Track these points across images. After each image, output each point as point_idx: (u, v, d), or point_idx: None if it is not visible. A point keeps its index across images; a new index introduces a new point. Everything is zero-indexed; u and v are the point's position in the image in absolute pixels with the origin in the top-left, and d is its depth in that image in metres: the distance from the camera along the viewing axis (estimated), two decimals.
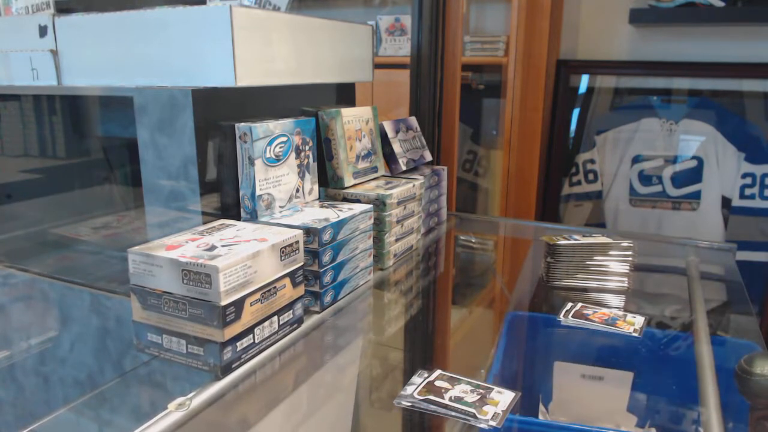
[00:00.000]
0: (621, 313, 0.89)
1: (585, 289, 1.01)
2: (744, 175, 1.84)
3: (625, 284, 1.01)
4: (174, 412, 0.61)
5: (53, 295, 0.95)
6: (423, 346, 0.95)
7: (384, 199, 0.99)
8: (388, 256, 1.02)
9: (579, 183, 2.06)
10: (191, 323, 0.67)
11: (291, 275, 0.76)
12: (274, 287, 0.73)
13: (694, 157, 1.91)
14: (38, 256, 1.04)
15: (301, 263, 0.78)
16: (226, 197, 0.85)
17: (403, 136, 1.21)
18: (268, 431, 0.67)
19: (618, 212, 2.01)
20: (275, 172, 0.87)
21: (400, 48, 2.20)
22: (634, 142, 1.98)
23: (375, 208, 0.97)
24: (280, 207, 0.90)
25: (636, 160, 1.98)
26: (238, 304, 0.67)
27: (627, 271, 1.01)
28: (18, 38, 0.94)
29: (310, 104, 1.02)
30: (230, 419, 0.66)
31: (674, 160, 1.93)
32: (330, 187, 1.02)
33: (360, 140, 1.06)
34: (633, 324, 0.86)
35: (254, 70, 0.83)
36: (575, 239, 1.05)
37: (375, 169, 1.11)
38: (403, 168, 1.17)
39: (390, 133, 1.17)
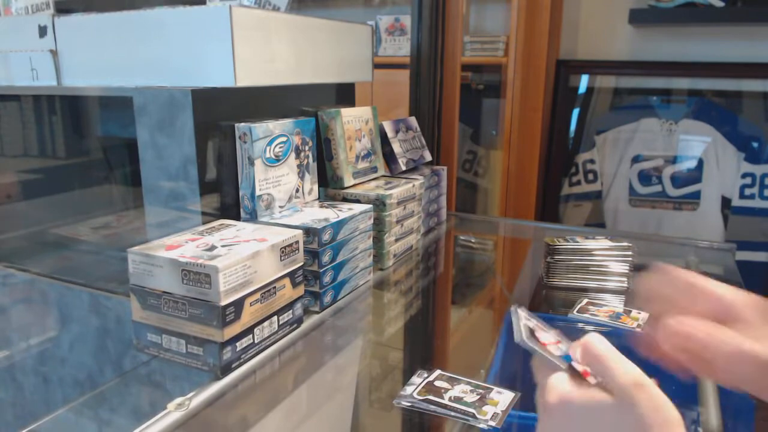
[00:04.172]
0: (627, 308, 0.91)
1: (585, 289, 1.01)
2: (744, 175, 1.84)
3: (625, 284, 1.01)
4: (173, 412, 0.61)
5: (53, 295, 0.95)
6: (422, 346, 0.95)
7: (384, 199, 0.99)
8: (387, 256, 1.02)
9: (579, 183, 2.06)
10: (191, 323, 0.67)
11: (291, 275, 0.76)
12: (274, 287, 0.73)
13: (693, 157, 1.91)
14: (38, 256, 1.04)
15: (301, 263, 0.78)
16: (226, 197, 0.85)
17: (403, 136, 1.21)
18: (268, 431, 0.67)
19: (618, 212, 2.01)
20: (275, 172, 0.87)
21: (400, 48, 2.20)
22: (634, 142, 1.98)
23: (375, 208, 0.97)
24: (280, 207, 0.90)
25: (636, 160, 1.98)
26: (238, 304, 0.67)
27: (627, 271, 1.01)
28: (18, 38, 0.94)
29: (310, 104, 1.02)
30: (230, 419, 0.66)
31: (674, 160, 1.93)
32: (330, 187, 1.02)
33: (360, 140, 1.06)
34: (637, 320, 0.86)
35: (254, 70, 0.83)
36: (576, 241, 1.05)
37: (375, 169, 1.11)
38: (403, 168, 1.17)
39: (390, 133, 1.17)
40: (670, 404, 0.43)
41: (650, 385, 0.44)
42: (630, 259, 1.02)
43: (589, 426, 0.44)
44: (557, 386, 0.46)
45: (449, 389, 0.67)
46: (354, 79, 1.13)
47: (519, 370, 0.93)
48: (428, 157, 1.28)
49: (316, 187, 0.97)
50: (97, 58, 0.88)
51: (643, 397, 0.43)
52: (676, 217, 1.94)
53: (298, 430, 0.68)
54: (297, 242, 0.77)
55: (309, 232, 0.82)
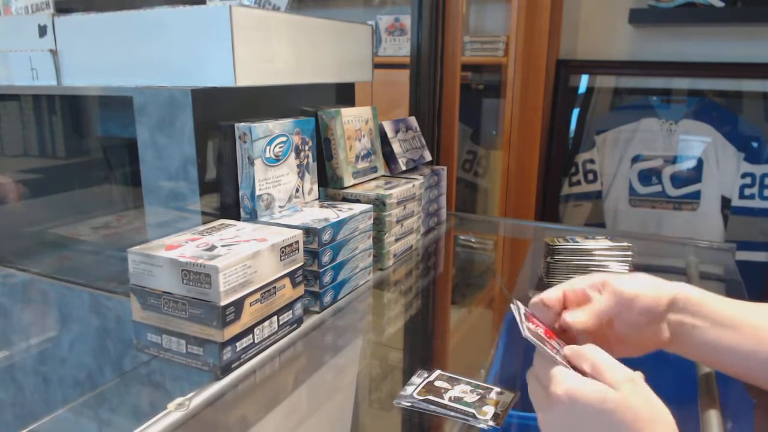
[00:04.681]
0: None
1: None
2: (743, 175, 1.84)
3: None
4: (173, 412, 0.61)
5: (53, 295, 0.95)
6: (422, 346, 0.95)
7: (384, 199, 0.99)
8: (387, 256, 1.02)
9: (579, 183, 2.06)
10: (191, 323, 0.67)
11: (291, 275, 0.76)
12: (274, 287, 0.73)
13: (693, 157, 1.91)
14: (38, 256, 1.04)
15: (301, 263, 0.78)
16: (226, 197, 0.85)
17: (403, 136, 1.21)
18: (268, 431, 0.67)
19: (618, 212, 2.01)
20: (275, 172, 0.87)
21: (400, 48, 2.20)
22: (634, 142, 1.98)
23: (375, 208, 0.97)
24: (280, 207, 0.90)
25: (635, 160, 1.98)
26: (238, 304, 0.67)
27: (626, 271, 1.01)
28: (18, 38, 0.94)
29: (310, 104, 1.02)
30: (229, 419, 0.66)
31: (674, 160, 1.93)
32: (330, 187, 1.02)
33: (359, 140, 1.06)
34: None
35: (254, 70, 0.83)
36: (575, 241, 1.04)
37: (375, 169, 1.11)
38: (403, 168, 1.17)
39: (390, 133, 1.17)
40: (662, 404, 0.44)
41: (643, 383, 0.46)
42: (630, 259, 1.01)
43: (593, 420, 0.44)
44: (563, 380, 0.46)
45: (449, 389, 0.67)
46: (354, 79, 1.13)
47: (519, 370, 0.93)
48: (428, 157, 1.28)
49: (316, 187, 0.97)
50: (97, 57, 0.88)
51: (637, 393, 0.45)
52: (676, 217, 1.94)
53: (298, 430, 0.68)
54: (297, 242, 0.77)
55: (309, 232, 0.82)
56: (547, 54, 1.86)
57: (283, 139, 0.88)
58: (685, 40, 1.91)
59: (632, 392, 0.45)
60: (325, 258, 0.84)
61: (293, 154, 0.91)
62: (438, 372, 0.71)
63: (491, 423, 0.61)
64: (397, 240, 1.05)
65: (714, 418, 0.62)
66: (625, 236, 1.11)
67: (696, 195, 1.91)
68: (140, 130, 0.82)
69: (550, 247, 1.03)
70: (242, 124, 0.83)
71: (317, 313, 0.85)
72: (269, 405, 0.70)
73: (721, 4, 1.75)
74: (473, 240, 1.44)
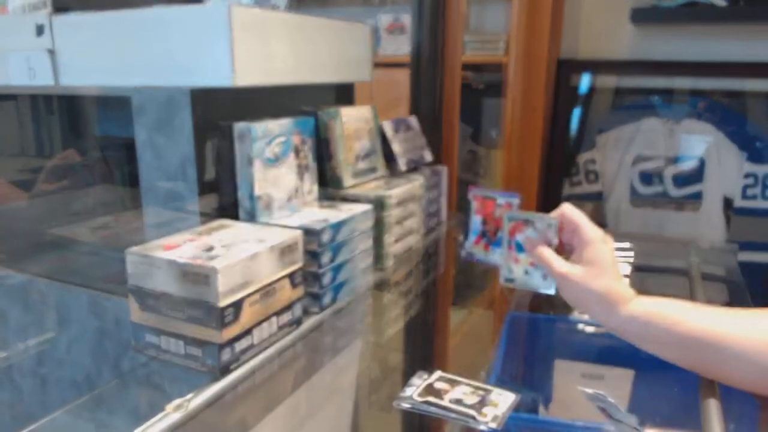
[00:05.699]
0: None
1: None
2: (746, 176, 1.84)
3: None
4: (172, 413, 0.61)
5: (51, 296, 0.95)
6: (423, 348, 0.94)
7: (383, 199, 0.98)
8: (387, 256, 1.02)
9: (579, 183, 2.05)
10: (189, 324, 0.67)
11: (290, 276, 0.76)
12: (273, 288, 0.73)
13: (695, 157, 1.90)
14: (36, 256, 1.04)
15: (300, 264, 0.78)
16: (225, 197, 0.85)
17: (403, 135, 1.21)
18: None
19: (619, 213, 2.01)
20: (274, 172, 0.87)
21: (400, 47, 2.20)
22: (636, 142, 1.97)
23: (375, 209, 0.97)
24: (279, 207, 0.89)
25: (637, 160, 1.97)
26: (237, 305, 0.67)
27: (628, 271, 1.01)
28: (15, 37, 0.93)
29: (309, 104, 1.01)
30: (228, 421, 0.66)
31: (676, 161, 1.92)
32: (329, 187, 1.02)
33: (359, 140, 1.06)
34: None
35: (253, 70, 0.82)
36: None
37: (374, 170, 1.10)
38: (403, 168, 1.16)
39: (390, 133, 1.16)
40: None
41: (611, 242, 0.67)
42: (631, 259, 1.01)
43: None
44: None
45: (449, 391, 0.67)
46: (353, 79, 1.12)
47: (519, 372, 0.93)
48: (428, 157, 1.28)
49: (315, 187, 0.97)
50: (95, 57, 0.87)
51: (609, 247, 0.65)
52: (678, 217, 1.93)
53: None
54: (296, 243, 0.77)
55: (308, 232, 0.81)
56: (548, 53, 1.86)
57: (283, 139, 0.88)
58: (688, 40, 1.91)
59: (604, 247, 0.67)
60: (325, 259, 0.84)
61: (292, 154, 0.90)
62: (438, 373, 0.71)
63: (492, 425, 0.60)
64: (397, 240, 1.04)
65: (715, 418, 0.62)
66: (626, 237, 1.11)
67: (698, 195, 1.90)
68: (138, 130, 0.82)
69: None
70: (241, 123, 0.83)
71: (317, 313, 0.85)
72: (268, 406, 0.70)
73: (724, 4, 1.74)
74: None
